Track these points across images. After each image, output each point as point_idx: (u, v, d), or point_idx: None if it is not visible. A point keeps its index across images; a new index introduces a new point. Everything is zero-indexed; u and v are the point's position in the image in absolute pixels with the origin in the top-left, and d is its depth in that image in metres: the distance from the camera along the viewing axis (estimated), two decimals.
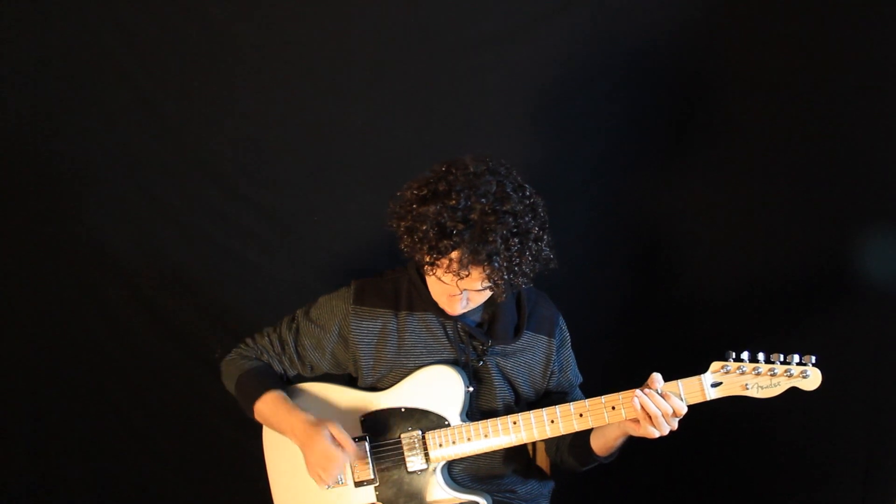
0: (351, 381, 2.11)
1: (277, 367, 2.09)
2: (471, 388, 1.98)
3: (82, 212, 2.71)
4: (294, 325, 2.08)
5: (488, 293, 1.90)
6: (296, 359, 2.07)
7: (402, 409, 1.99)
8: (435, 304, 1.99)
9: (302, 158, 2.68)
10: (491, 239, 1.74)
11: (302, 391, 2.09)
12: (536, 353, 2.06)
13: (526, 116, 2.61)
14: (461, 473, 2.04)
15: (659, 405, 1.79)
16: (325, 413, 2.04)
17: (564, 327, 2.12)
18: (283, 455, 2.07)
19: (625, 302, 2.72)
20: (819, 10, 2.44)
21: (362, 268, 2.14)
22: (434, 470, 1.98)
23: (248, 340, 2.12)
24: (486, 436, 1.94)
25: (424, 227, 1.77)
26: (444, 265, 1.79)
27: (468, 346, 2.01)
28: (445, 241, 1.75)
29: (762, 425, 2.53)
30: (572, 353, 2.13)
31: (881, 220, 2.46)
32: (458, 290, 1.85)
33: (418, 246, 1.80)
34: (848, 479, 2.57)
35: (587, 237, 2.64)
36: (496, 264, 1.75)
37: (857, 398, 2.49)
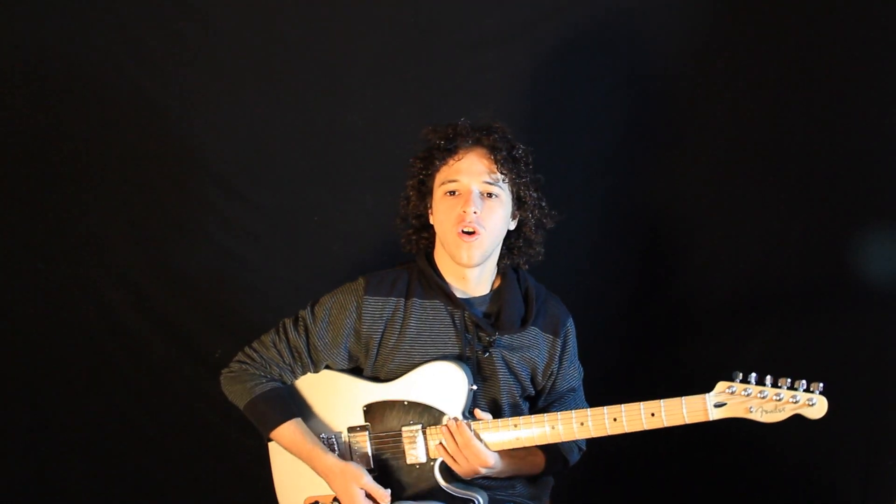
0: (355, 370, 2.09)
1: (289, 378, 2.06)
2: (475, 387, 1.98)
3: (82, 212, 2.71)
4: (302, 330, 2.03)
5: (498, 202, 1.95)
6: (310, 364, 2.05)
7: (405, 402, 1.99)
8: (444, 290, 2.00)
9: (302, 158, 2.68)
10: (488, 123, 2.01)
11: (307, 379, 2.07)
12: (541, 350, 2.05)
13: (526, 116, 2.61)
14: None
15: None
16: (329, 401, 2.05)
17: (572, 329, 2.12)
18: (287, 454, 2.06)
19: (626, 303, 2.71)
20: (819, 10, 2.45)
21: (363, 268, 2.13)
22: (433, 464, 1.98)
23: (251, 352, 2.05)
24: None
25: (430, 135, 2.00)
26: (453, 157, 1.96)
27: (474, 336, 2.01)
28: (449, 131, 1.98)
29: (762, 425, 2.53)
30: (577, 358, 2.13)
31: (881, 220, 2.46)
32: (468, 186, 1.93)
33: (429, 155, 1.99)
34: (848, 479, 2.57)
35: (587, 238, 2.64)
36: (497, 134, 1.98)
37: (857, 398, 2.48)
